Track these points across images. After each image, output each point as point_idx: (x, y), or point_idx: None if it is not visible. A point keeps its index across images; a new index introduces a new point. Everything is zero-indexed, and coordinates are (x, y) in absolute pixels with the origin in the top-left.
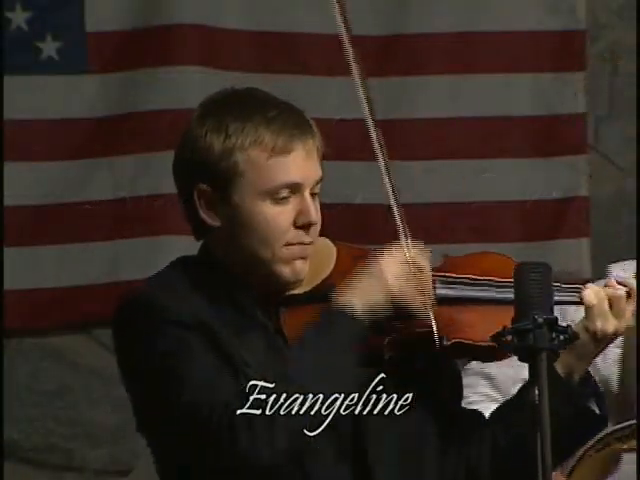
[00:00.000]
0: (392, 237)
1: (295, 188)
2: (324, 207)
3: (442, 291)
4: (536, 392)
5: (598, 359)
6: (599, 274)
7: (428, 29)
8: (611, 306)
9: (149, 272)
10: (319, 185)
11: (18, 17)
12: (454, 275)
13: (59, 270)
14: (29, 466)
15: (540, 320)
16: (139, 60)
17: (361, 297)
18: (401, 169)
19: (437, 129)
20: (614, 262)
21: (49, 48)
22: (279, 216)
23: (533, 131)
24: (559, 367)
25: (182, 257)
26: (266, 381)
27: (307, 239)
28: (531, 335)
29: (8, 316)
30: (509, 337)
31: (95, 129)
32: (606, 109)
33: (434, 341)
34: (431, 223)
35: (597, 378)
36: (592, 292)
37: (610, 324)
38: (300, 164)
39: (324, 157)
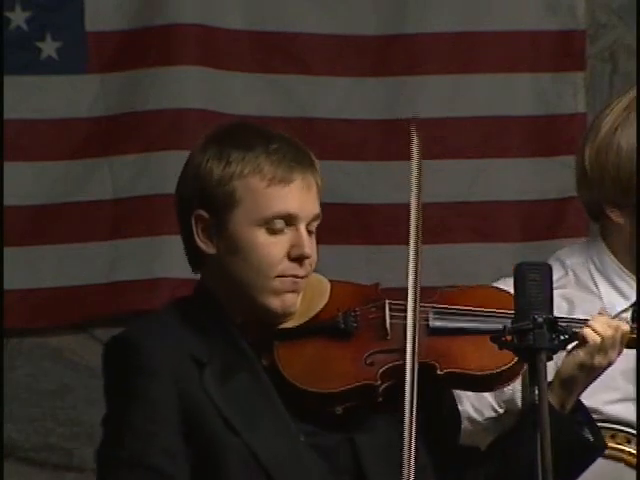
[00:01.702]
0: (391, 238)
1: (291, 220)
2: (324, 207)
3: (436, 323)
4: (536, 392)
5: None
6: None
7: (428, 29)
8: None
9: (149, 272)
10: (316, 223)
11: (18, 17)
12: (447, 306)
13: (59, 270)
14: (29, 466)
15: (540, 320)
16: (139, 60)
17: None
18: (401, 169)
19: (437, 129)
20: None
21: (49, 48)
22: (273, 246)
23: (533, 131)
24: (551, 398)
25: (178, 297)
26: (234, 431)
27: (300, 272)
28: (531, 335)
29: (8, 316)
30: (509, 337)
31: (95, 129)
32: None
33: (427, 372)
34: (431, 223)
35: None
36: (598, 327)
37: (607, 359)
38: (298, 196)
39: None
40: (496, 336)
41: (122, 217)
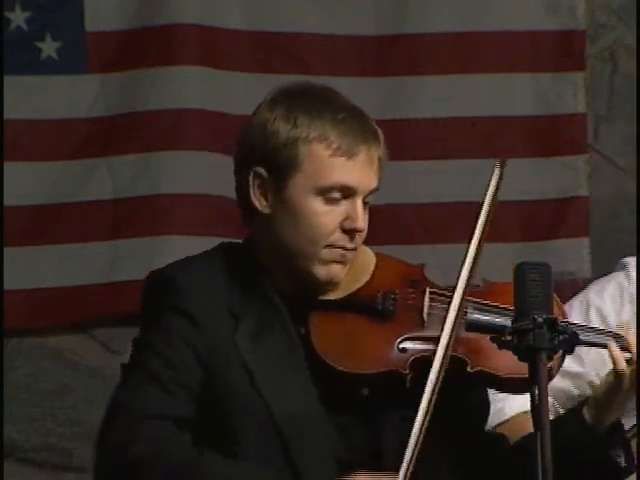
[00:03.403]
0: (391, 238)
1: (349, 192)
2: None
3: (473, 316)
4: (536, 392)
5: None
6: (599, 274)
7: (428, 29)
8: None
9: (149, 272)
10: (371, 196)
11: (18, 17)
12: (485, 302)
13: (59, 270)
14: (29, 466)
15: (540, 320)
16: (139, 60)
17: None
18: (401, 169)
19: (437, 129)
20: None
21: (49, 48)
22: (327, 215)
23: (533, 131)
24: (586, 413)
25: (226, 242)
26: (256, 389)
27: (350, 245)
28: (531, 335)
29: (8, 316)
30: (509, 337)
31: (95, 129)
32: (606, 109)
33: (457, 366)
34: (431, 223)
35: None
36: (632, 345)
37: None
38: (359, 169)
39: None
40: (496, 336)
41: (122, 217)
